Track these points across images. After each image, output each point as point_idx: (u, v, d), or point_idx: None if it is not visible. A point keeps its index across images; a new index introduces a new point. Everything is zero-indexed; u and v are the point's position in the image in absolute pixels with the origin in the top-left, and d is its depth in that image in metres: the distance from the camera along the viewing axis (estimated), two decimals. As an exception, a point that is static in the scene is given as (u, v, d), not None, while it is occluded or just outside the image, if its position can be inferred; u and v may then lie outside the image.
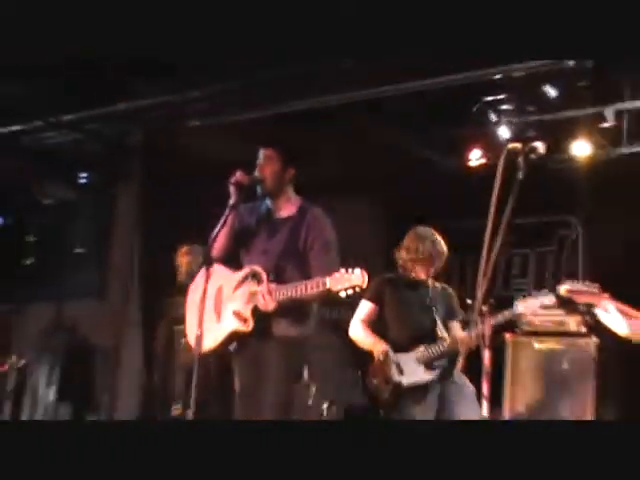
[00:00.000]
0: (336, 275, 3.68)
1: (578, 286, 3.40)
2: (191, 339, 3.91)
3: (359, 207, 6.73)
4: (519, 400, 5.24)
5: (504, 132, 5.38)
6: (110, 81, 5.25)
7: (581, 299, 3.45)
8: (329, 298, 3.81)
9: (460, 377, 4.19)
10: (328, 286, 3.69)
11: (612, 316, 3.29)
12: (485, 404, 4.22)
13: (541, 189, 4.78)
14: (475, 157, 5.84)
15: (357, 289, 3.66)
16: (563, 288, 3.44)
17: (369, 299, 4.44)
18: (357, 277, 3.64)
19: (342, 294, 3.66)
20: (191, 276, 4.86)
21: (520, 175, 3.52)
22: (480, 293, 3.01)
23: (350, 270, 3.66)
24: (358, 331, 4.38)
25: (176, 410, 5.20)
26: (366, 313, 4.40)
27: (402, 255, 4.46)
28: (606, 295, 3.33)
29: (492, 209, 2.86)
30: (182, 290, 4.72)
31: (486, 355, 4.29)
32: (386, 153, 6.11)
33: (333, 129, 5.78)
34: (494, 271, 3.04)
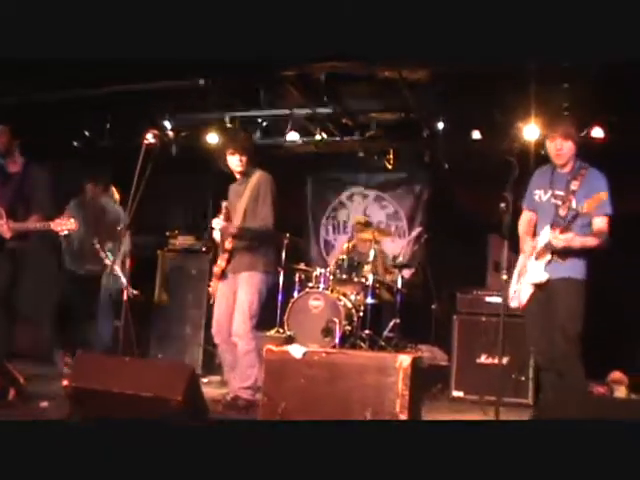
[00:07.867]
0: (57, 220, 4.49)
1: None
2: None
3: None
4: (162, 289, 6.85)
5: (169, 124, 6.91)
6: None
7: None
8: (51, 233, 4.56)
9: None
10: (52, 227, 4.48)
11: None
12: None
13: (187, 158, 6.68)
14: (149, 138, 6.64)
15: (70, 231, 4.54)
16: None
17: None
18: (72, 224, 4.49)
19: (62, 234, 4.61)
20: None
21: (173, 151, 5.92)
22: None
23: (67, 218, 4.51)
24: None
25: None
26: None
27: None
28: None
29: (137, 171, 4.39)
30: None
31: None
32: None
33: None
34: (138, 206, 4.43)
